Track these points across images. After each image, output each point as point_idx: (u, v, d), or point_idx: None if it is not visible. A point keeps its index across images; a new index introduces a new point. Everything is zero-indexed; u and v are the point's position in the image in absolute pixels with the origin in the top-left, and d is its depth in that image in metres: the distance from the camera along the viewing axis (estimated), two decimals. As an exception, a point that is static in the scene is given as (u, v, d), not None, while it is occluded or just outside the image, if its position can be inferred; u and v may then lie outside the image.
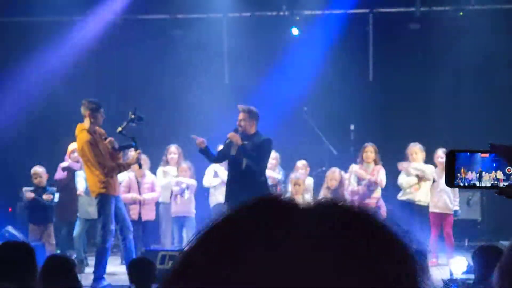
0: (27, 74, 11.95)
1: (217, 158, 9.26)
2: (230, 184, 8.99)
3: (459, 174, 1.83)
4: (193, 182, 10.75)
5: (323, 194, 10.31)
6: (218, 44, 12.68)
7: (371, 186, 10.10)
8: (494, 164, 1.83)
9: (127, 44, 12.41)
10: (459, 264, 7.53)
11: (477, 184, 1.84)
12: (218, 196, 10.53)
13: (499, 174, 1.82)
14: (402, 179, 10.21)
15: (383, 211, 10.18)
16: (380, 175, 10.04)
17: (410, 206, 9.98)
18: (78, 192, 10.41)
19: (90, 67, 12.26)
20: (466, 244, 10.26)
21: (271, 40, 12.50)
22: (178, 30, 12.69)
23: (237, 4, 12.60)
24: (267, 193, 8.57)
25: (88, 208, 10.13)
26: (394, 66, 12.28)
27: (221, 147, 9.47)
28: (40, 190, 10.24)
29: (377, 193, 10.17)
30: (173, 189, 10.78)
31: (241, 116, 8.71)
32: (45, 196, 10.18)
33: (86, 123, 8.80)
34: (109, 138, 8.95)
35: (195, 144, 8.97)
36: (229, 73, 12.73)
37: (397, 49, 12.25)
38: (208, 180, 10.88)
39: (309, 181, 10.93)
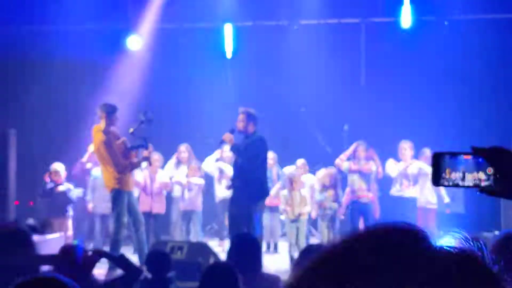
0: (48, 79, 11.96)
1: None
2: (232, 181, 9.05)
3: (444, 174, 1.80)
4: (202, 181, 10.77)
5: (320, 190, 10.41)
6: (223, 50, 12.58)
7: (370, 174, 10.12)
8: (476, 165, 1.79)
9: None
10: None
11: (461, 183, 1.80)
12: (223, 192, 10.52)
13: (481, 175, 1.78)
14: (389, 167, 10.20)
15: (376, 206, 10.22)
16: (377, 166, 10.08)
17: (401, 201, 10.01)
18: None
19: (105, 73, 12.19)
20: (450, 236, 10.29)
21: (272, 47, 12.46)
22: (184, 38, 12.58)
23: (241, 14, 12.48)
24: (259, 190, 8.63)
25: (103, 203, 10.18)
26: (384, 72, 12.14)
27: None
28: (58, 185, 10.18)
29: (374, 186, 10.20)
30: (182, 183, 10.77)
31: (240, 117, 8.70)
32: (61, 187, 10.19)
33: (102, 124, 8.81)
34: (122, 138, 8.95)
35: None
36: (233, 78, 12.65)
37: (387, 56, 12.09)
38: (207, 165, 10.94)
39: (308, 178, 10.90)
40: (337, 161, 10.14)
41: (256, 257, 5.27)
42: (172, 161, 11.02)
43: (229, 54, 12.63)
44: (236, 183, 8.85)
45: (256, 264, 5.14)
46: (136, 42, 12.28)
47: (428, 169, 9.69)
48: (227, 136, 8.72)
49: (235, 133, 8.75)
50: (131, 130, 9.16)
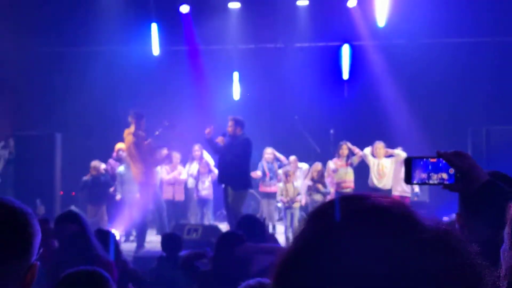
0: (88, 90, 11.86)
1: (219, 151, 9.06)
2: (222, 171, 8.96)
3: (414, 174, 1.81)
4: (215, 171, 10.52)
5: (309, 182, 10.34)
6: (230, 68, 12.50)
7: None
8: (440, 167, 1.81)
9: (162, 68, 12.30)
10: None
11: (428, 182, 1.82)
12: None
13: (444, 175, 1.80)
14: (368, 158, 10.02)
15: None
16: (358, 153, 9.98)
17: (377, 191, 9.98)
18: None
19: (133, 86, 12.11)
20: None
21: (271, 65, 12.38)
22: (200, 58, 12.54)
23: (245, 38, 12.50)
24: (244, 181, 8.60)
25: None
26: (363, 86, 12.14)
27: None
28: (96, 179, 10.20)
29: (351, 176, 10.04)
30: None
31: (229, 123, 8.81)
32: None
33: (132, 128, 8.80)
34: (149, 139, 8.90)
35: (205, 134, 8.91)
36: (238, 88, 12.54)
37: (366, 73, 12.10)
38: None
39: (300, 171, 10.80)
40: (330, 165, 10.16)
41: (262, 231, 5.12)
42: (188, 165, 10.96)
43: (236, 70, 12.52)
44: (226, 172, 8.81)
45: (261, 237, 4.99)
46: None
47: (395, 164, 9.83)
48: (220, 138, 8.81)
49: (227, 135, 8.84)
50: (157, 133, 9.15)
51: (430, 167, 1.81)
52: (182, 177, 10.73)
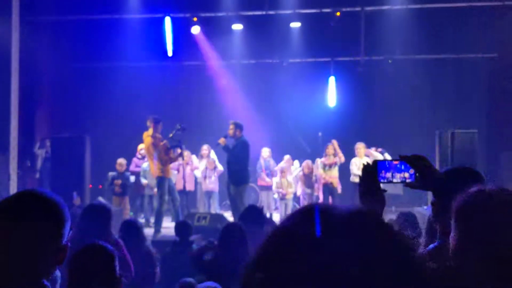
0: (114, 98, 11.91)
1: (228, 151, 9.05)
2: (227, 169, 9.03)
3: (381, 174, 1.80)
4: (221, 168, 10.61)
5: (301, 177, 10.40)
6: (234, 80, 12.50)
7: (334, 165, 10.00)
8: (402, 168, 1.81)
9: (175, 82, 12.29)
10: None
11: (392, 180, 1.81)
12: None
13: (406, 174, 1.80)
14: (353, 165, 10.00)
15: (339, 189, 10.09)
16: (340, 157, 9.99)
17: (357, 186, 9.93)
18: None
19: (150, 95, 12.00)
20: (393, 210, 10.33)
21: (268, 78, 12.38)
22: (208, 72, 12.55)
23: (246, 54, 12.45)
24: (243, 176, 8.60)
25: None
26: (347, 96, 12.15)
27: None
28: (121, 175, 10.24)
29: (335, 173, 10.02)
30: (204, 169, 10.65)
31: (230, 127, 8.82)
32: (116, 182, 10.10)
33: (150, 131, 8.80)
34: (164, 141, 8.87)
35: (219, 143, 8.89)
36: (240, 97, 12.38)
37: (349, 85, 12.09)
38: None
39: (295, 167, 10.81)
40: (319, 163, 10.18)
41: (262, 217, 5.14)
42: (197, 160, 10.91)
43: (239, 81, 12.43)
44: (228, 170, 8.88)
45: (261, 223, 4.94)
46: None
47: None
48: (221, 139, 8.83)
49: (227, 137, 8.83)
50: (171, 135, 9.05)
51: (393, 168, 1.82)
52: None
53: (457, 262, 1.39)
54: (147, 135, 8.86)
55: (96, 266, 2.31)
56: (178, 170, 10.16)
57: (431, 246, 1.90)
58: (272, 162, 11.08)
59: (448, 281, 1.26)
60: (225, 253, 4.02)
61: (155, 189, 9.61)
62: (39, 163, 10.99)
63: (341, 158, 10.02)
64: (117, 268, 2.39)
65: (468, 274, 1.34)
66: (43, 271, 1.39)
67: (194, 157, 10.83)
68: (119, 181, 10.06)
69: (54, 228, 1.40)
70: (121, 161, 10.37)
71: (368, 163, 1.82)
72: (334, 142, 10.03)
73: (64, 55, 11.86)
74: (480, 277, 1.32)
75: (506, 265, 1.30)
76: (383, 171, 1.81)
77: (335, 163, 10.05)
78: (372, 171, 1.78)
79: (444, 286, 1.20)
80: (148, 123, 8.87)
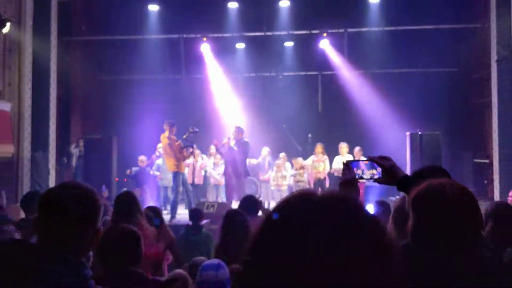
0: (136, 104, 11.77)
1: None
2: (231, 166, 9.05)
3: (353, 172, 1.77)
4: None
5: (293, 172, 10.31)
6: (237, 90, 12.42)
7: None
8: (371, 166, 1.79)
9: (187, 92, 12.16)
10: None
11: (362, 176, 1.79)
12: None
13: (374, 171, 1.78)
14: (335, 161, 9.87)
15: (327, 183, 9.96)
16: (326, 162, 9.93)
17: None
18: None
19: (166, 103, 11.76)
20: (370, 199, 10.20)
21: (266, 88, 12.34)
22: (216, 83, 12.48)
23: (248, 68, 12.34)
24: (244, 171, 8.63)
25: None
26: (332, 102, 12.11)
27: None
28: (142, 169, 10.26)
29: (324, 169, 9.96)
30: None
31: (234, 130, 8.95)
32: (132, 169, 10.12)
33: (167, 133, 8.73)
34: (179, 141, 8.81)
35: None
36: (243, 105, 12.32)
37: (334, 94, 12.04)
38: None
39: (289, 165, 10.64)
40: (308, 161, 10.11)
41: (257, 206, 4.99)
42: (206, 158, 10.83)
43: (241, 91, 12.31)
44: (232, 168, 8.94)
45: (256, 211, 4.86)
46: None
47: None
48: (225, 140, 8.94)
49: (231, 139, 8.93)
50: (185, 136, 8.98)
51: (363, 167, 1.80)
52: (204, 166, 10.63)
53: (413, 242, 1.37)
54: (164, 137, 8.82)
55: (122, 246, 2.26)
56: (188, 166, 10.08)
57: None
58: (270, 159, 11.09)
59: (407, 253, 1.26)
60: (228, 238, 3.93)
61: (165, 181, 9.57)
62: (74, 161, 10.98)
63: (325, 160, 9.97)
64: (142, 247, 2.34)
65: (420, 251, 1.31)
66: (81, 250, 1.39)
67: (205, 157, 10.79)
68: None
69: (91, 214, 1.40)
70: (142, 158, 10.39)
71: (347, 161, 1.82)
72: (319, 145, 10.02)
73: (93, 69, 11.92)
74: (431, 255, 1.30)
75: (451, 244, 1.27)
76: (355, 169, 1.79)
77: (323, 161, 10.06)
78: (349, 167, 1.78)
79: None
80: (165, 126, 8.83)
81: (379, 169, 1.76)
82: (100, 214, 1.43)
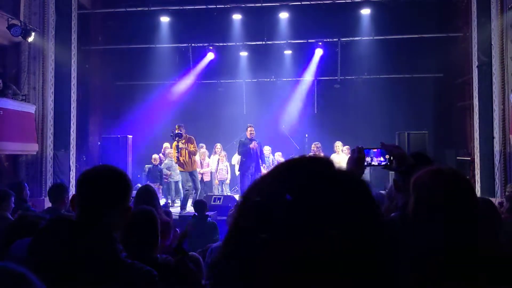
0: (148, 106, 11.80)
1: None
2: (247, 162, 8.93)
3: (364, 155, 1.72)
4: (227, 164, 10.60)
5: None
6: (240, 94, 12.42)
7: None
8: (380, 154, 1.76)
9: (195, 95, 12.17)
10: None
11: (371, 163, 1.76)
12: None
13: (382, 159, 1.76)
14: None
15: None
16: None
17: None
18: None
19: (175, 106, 11.87)
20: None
21: (267, 92, 12.30)
22: (221, 88, 12.52)
23: (250, 74, 12.33)
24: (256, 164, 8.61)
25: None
26: (327, 105, 12.12)
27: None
28: (155, 167, 10.18)
29: None
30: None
31: (249, 129, 8.85)
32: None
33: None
34: (185, 136, 8.58)
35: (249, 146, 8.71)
36: (246, 108, 12.40)
37: (328, 97, 12.06)
38: (235, 159, 10.73)
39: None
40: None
41: None
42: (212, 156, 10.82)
43: (244, 95, 12.36)
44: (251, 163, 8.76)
45: None
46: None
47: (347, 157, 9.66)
48: (253, 143, 8.78)
49: (247, 138, 8.84)
50: (171, 134, 8.61)
51: (373, 154, 1.78)
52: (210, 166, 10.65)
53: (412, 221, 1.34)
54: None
55: (142, 226, 2.17)
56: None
57: (393, 214, 1.77)
58: (271, 156, 11.08)
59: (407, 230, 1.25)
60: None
61: (176, 176, 9.58)
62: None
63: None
64: (158, 229, 2.23)
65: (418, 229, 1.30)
66: (114, 225, 1.38)
67: (212, 157, 10.77)
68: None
69: (123, 191, 1.39)
70: (155, 156, 10.35)
71: (361, 146, 1.74)
72: (314, 144, 9.97)
73: (110, 75, 11.99)
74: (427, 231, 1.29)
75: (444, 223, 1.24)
76: (364, 156, 1.76)
77: None
78: (361, 151, 1.73)
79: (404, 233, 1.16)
80: (177, 127, 8.71)
81: (387, 157, 1.74)
82: (131, 192, 1.42)
